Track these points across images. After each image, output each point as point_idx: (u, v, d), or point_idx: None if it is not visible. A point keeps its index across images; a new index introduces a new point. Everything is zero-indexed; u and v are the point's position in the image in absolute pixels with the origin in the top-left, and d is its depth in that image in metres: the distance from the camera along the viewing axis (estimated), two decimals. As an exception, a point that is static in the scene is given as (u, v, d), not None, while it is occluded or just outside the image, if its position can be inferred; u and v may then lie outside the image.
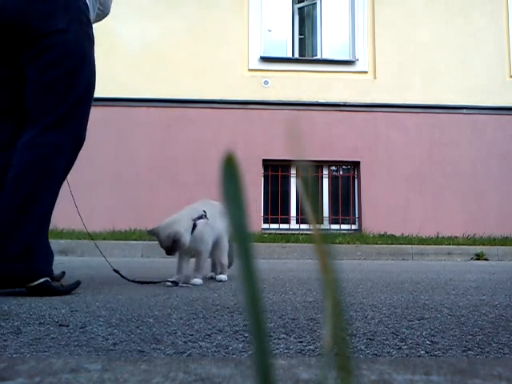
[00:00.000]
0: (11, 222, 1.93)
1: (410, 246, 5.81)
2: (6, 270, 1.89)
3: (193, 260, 2.48)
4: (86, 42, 2.19)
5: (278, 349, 1.06)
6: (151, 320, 1.38)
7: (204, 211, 2.41)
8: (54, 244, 4.71)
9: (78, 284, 2.11)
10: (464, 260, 5.54)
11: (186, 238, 2.24)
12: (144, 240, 5.39)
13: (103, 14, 2.45)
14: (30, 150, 2.00)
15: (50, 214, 2.07)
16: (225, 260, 2.58)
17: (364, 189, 7.28)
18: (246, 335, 1.18)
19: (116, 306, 1.64)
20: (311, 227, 0.24)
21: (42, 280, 1.92)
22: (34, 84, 2.10)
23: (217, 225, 2.49)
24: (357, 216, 7.42)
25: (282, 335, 1.20)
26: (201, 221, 2.35)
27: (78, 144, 2.19)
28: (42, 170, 2.00)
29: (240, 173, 0.24)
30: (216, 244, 2.52)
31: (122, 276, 2.44)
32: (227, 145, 6.79)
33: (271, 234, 6.57)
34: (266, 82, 7.38)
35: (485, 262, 5.39)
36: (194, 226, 2.31)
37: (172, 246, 2.21)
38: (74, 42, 2.11)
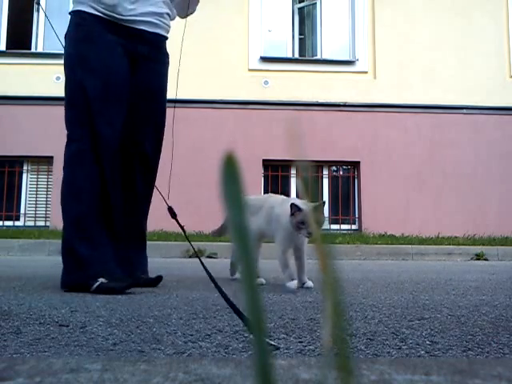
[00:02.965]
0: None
1: (410, 246, 5.81)
2: (74, 279, 2.03)
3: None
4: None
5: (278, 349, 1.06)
6: (151, 320, 1.38)
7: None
8: (55, 244, 4.71)
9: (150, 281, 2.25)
10: (464, 260, 5.54)
11: None
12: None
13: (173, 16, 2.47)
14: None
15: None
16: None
17: (364, 189, 7.28)
18: (246, 335, 1.18)
19: (116, 306, 1.64)
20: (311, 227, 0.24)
21: (97, 283, 1.98)
22: None
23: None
24: (357, 216, 7.41)
25: (282, 335, 1.20)
26: None
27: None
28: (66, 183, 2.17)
29: (240, 173, 0.24)
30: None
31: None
32: (227, 145, 6.78)
33: (271, 234, 6.57)
34: (266, 82, 7.38)
35: (485, 261, 5.39)
36: None
37: None
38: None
